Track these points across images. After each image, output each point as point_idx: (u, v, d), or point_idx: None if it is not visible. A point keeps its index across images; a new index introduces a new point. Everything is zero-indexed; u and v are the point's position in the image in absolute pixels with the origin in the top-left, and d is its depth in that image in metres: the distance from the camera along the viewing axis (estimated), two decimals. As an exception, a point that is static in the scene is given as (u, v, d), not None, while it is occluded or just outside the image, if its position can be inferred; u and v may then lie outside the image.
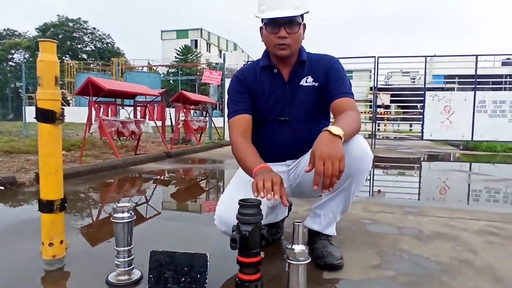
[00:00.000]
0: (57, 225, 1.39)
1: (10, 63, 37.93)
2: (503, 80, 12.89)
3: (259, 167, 1.26)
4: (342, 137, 1.13)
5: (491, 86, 9.85)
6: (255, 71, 1.54)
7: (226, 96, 1.81)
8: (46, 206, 1.36)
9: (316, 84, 1.49)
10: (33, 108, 1.38)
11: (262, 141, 1.52)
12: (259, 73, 1.52)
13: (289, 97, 1.49)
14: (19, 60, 37.43)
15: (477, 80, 7.83)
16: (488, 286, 1.30)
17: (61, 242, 1.41)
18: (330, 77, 1.47)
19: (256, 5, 1.43)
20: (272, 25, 1.37)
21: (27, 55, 37.13)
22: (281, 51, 1.40)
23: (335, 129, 1.14)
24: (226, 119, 1.66)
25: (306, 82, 1.49)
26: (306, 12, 1.39)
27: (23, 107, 10.22)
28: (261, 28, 1.46)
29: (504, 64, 19.55)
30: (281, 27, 1.36)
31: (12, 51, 38.30)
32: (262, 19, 1.41)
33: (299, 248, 1.05)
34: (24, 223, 2.09)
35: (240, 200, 1.12)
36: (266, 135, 1.54)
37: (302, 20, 1.41)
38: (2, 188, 2.70)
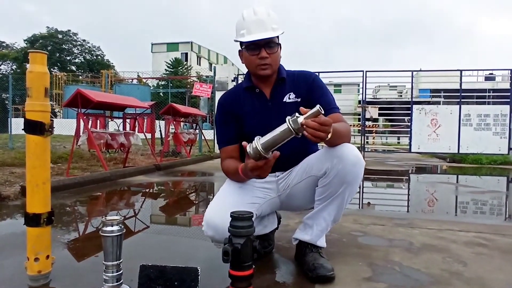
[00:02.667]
0: (43, 240, 1.35)
1: (-3, 74, 37.41)
2: (487, 94, 13.26)
3: (240, 167, 1.40)
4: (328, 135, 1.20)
5: (475, 100, 10.11)
6: (238, 94, 1.62)
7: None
8: (32, 220, 1.32)
9: (299, 99, 1.56)
10: (19, 120, 1.37)
11: None
12: (243, 95, 1.60)
13: (273, 114, 1.55)
14: (6, 71, 36.91)
15: (462, 94, 8.03)
16: (478, 298, 1.31)
17: (47, 257, 1.37)
18: (314, 93, 1.54)
19: (235, 31, 1.52)
20: (253, 47, 1.46)
21: (15, 66, 36.69)
22: (263, 71, 1.49)
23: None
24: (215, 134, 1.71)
25: (289, 98, 1.56)
26: (282, 33, 1.49)
27: (9, 118, 10.04)
28: (240, 51, 1.54)
29: (487, 79, 20.11)
30: (261, 49, 1.45)
31: (-1, 63, 37.85)
32: (241, 43, 1.49)
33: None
34: (8, 238, 2.03)
35: (232, 213, 1.12)
36: None
37: (278, 41, 1.50)
38: (-14, 201, 2.63)
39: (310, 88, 1.55)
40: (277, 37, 1.49)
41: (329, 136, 1.15)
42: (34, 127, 1.31)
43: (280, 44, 1.51)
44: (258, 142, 1.17)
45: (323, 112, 1.10)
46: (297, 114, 1.12)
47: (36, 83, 1.31)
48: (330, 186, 1.41)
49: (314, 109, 1.10)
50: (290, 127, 1.11)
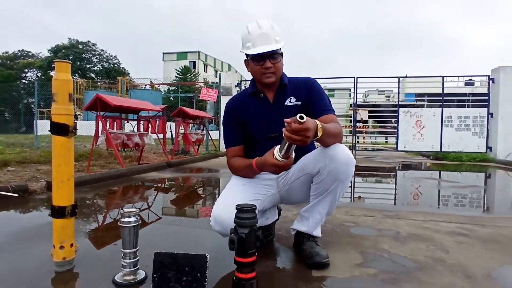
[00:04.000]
0: (68, 230, 1.36)
1: (24, 81, 37.40)
2: (466, 98, 13.20)
3: (254, 161, 1.42)
4: (319, 133, 1.22)
5: (456, 103, 10.07)
6: (244, 98, 1.62)
7: (223, 113, 1.86)
8: (58, 212, 1.33)
9: (299, 103, 1.55)
10: (44, 122, 1.38)
11: (257, 154, 1.55)
12: (248, 100, 1.60)
13: (276, 116, 1.55)
14: (31, 78, 36.96)
15: (444, 98, 7.99)
16: (459, 282, 1.31)
17: (71, 245, 1.38)
18: (312, 97, 1.54)
19: (240, 42, 1.51)
20: (258, 58, 1.45)
21: (39, 73, 36.75)
22: (268, 79, 1.48)
23: (319, 125, 1.22)
24: (222, 135, 1.70)
25: (290, 102, 1.56)
26: (284, 45, 1.48)
27: (35, 121, 10.05)
28: (245, 61, 1.54)
29: (466, 84, 19.99)
30: (266, 60, 1.45)
31: (26, 70, 37.88)
32: (247, 54, 1.48)
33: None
34: (35, 228, 2.04)
35: (237, 205, 1.12)
36: (260, 149, 1.56)
37: (281, 51, 1.49)
38: (15, 195, 2.64)
39: (309, 92, 1.55)
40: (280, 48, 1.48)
41: (308, 140, 1.15)
42: (59, 129, 1.32)
43: (282, 54, 1.50)
44: (278, 152, 1.25)
45: (303, 120, 1.10)
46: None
47: (61, 89, 1.32)
48: (324, 183, 1.41)
49: (296, 121, 1.12)
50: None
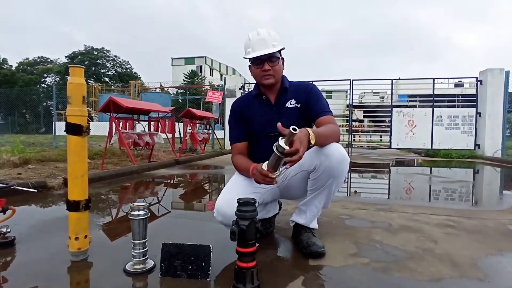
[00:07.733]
0: (82, 222, 1.37)
1: (43, 85, 37.57)
2: (456, 98, 13.09)
3: (251, 167, 1.36)
4: (312, 141, 1.22)
5: (446, 104, 9.98)
6: (248, 100, 1.64)
7: (227, 114, 1.86)
8: (73, 206, 1.34)
9: (299, 105, 1.56)
10: (62, 123, 1.38)
11: (257, 151, 1.59)
12: (252, 101, 1.62)
13: (276, 117, 1.56)
14: (50, 82, 37.12)
15: (435, 99, 7.94)
16: (446, 270, 1.31)
17: (85, 236, 1.39)
18: (311, 100, 1.55)
19: (243, 50, 1.54)
20: (257, 62, 1.49)
21: (57, 78, 36.92)
22: (267, 80, 1.51)
23: (312, 134, 1.22)
24: (227, 133, 1.70)
25: (291, 104, 1.57)
26: (282, 49, 1.50)
27: (53, 122, 10.13)
28: (249, 66, 1.56)
29: (456, 85, 19.85)
30: (264, 63, 1.48)
31: (45, 75, 38.08)
32: (250, 59, 1.51)
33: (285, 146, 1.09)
34: (53, 221, 2.06)
35: (238, 199, 1.12)
36: (260, 147, 1.59)
37: (280, 55, 1.52)
38: (35, 191, 2.66)
39: (308, 96, 1.56)
40: (279, 52, 1.50)
41: (302, 152, 1.11)
42: (74, 129, 1.33)
43: (281, 58, 1.52)
44: (266, 164, 1.22)
45: (296, 131, 1.07)
46: (279, 141, 1.11)
47: (75, 92, 1.32)
48: (319, 180, 1.42)
49: (288, 133, 1.08)
50: (276, 151, 1.12)
